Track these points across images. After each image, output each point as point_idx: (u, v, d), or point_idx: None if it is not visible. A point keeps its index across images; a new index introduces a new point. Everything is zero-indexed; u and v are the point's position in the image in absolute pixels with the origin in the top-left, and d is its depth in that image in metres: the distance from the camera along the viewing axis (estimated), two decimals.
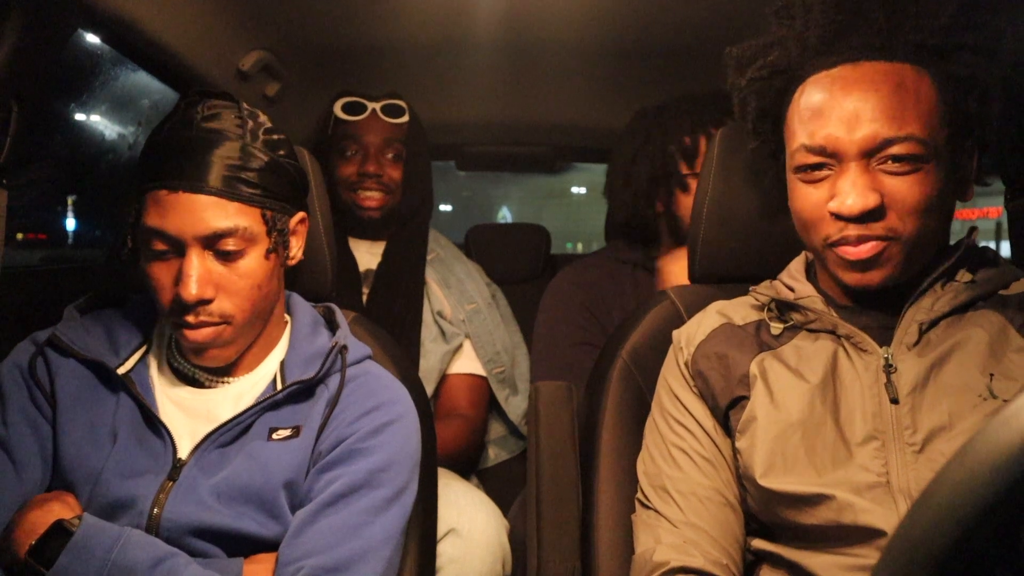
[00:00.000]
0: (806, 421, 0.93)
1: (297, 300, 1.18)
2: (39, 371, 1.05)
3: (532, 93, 2.15)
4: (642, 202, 1.69)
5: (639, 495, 1.05)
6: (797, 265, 1.07)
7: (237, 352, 1.06)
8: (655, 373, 1.12)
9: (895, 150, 0.88)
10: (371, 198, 1.80)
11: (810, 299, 1.01)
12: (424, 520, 1.18)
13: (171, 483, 1.00)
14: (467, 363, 1.83)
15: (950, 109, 0.90)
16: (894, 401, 0.91)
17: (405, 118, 1.82)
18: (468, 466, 1.81)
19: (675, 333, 1.10)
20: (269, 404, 1.05)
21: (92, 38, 1.40)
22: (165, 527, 0.97)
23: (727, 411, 1.00)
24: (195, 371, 1.08)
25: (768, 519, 0.95)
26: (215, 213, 0.97)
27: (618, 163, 1.74)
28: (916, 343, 0.93)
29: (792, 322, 1.02)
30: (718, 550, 0.96)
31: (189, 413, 1.05)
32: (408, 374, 1.23)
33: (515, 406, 1.89)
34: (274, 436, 1.03)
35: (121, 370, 1.06)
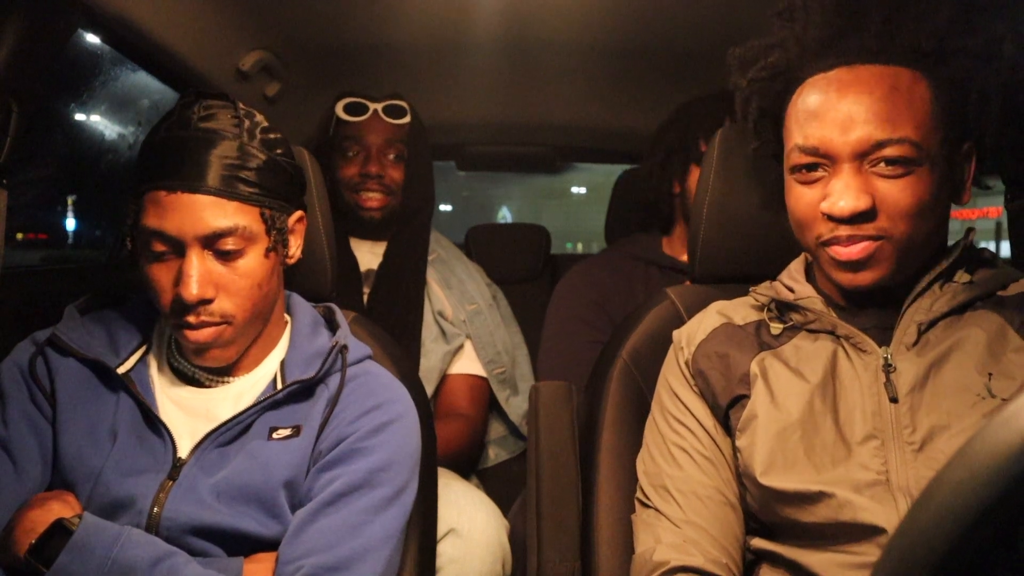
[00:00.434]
0: (806, 420, 0.93)
1: (297, 300, 1.18)
2: (39, 371, 1.05)
3: (532, 93, 2.15)
4: (659, 176, 1.71)
5: (639, 494, 1.05)
6: (797, 266, 1.08)
7: (238, 352, 1.06)
8: (655, 373, 1.12)
9: (888, 152, 0.88)
10: (372, 199, 1.80)
11: (809, 300, 1.01)
12: (424, 520, 1.18)
13: (171, 482, 1.00)
14: (468, 363, 1.83)
15: (946, 113, 0.91)
16: (893, 400, 0.91)
17: (407, 119, 1.82)
18: (468, 466, 1.81)
19: (675, 333, 1.10)
20: (269, 403, 1.05)
21: (92, 38, 1.40)
22: (165, 526, 0.97)
23: (727, 410, 1.00)
24: (195, 370, 1.08)
25: (767, 518, 0.96)
26: (214, 213, 0.97)
27: (649, 152, 1.77)
28: (915, 343, 0.94)
29: (792, 322, 1.02)
30: (718, 549, 0.96)
31: (189, 412, 1.06)
32: (408, 374, 1.24)
33: (516, 406, 1.89)
34: (274, 435, 1.03)
35: (121, 369, 1.06)
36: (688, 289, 1.27)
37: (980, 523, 0.36)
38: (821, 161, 0.92)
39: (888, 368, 0.93)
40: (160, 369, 1.09)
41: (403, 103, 1.82)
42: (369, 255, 1.84)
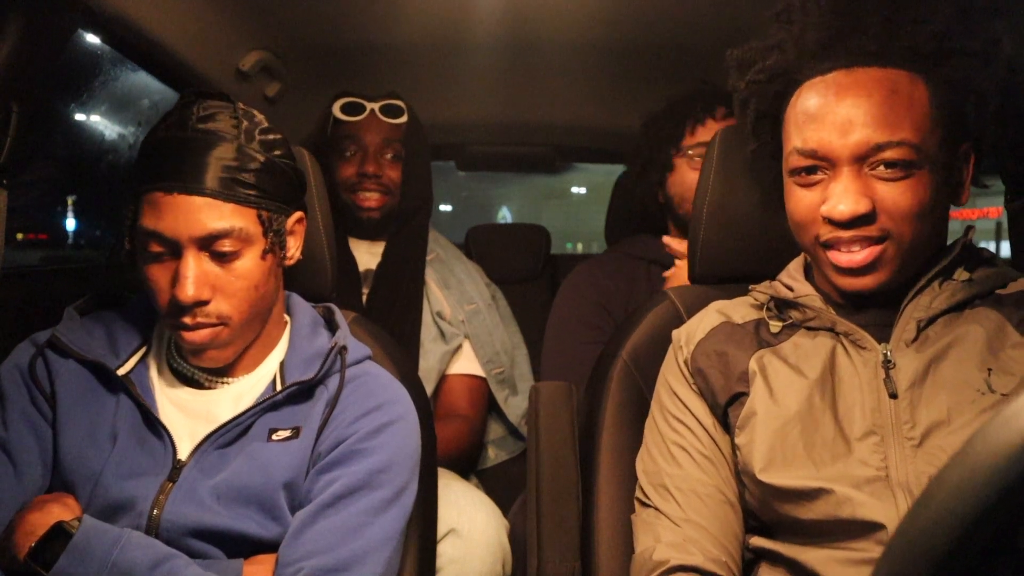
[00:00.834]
0: (805, 416, 0.93)
1: (297, 300, 1.18)
2: (39, 372, 1.05)
3: (532, 93, 2.15)
4: (642, 190, 1.75)
5: (638, 494, 1.05)
6: (796, 265, 1.08)
7: (236, 353, 1.06)
8: (655, 373, 1.12)
9: (887, 156, 0.88)
10: (370, 199, 1.80)
11: (808, 297, 1.01)
12: (424, 520, 1.18)
13: (171, 484, 1.00)
14: (466, 364, 1.83)
15: (944, 114, 0.91)
16: (893, 396, 0.91)
17: (404, 118, 1.82)
18: (468, 466, 1.81)
19: (675, 332, 1.10)
20: (269, 405, 1.05)
21: (92, 38, 1.41)
22: (165, 528, 0.97)
23: (726, 408, 1.00)
24: (195, 372, 1.08)
25: (767, 515, 0.96)
26: (211, 214, 0.97)
27: (642, 150, 1.79)
28: (914, 340, 0.94)
29: (791, 320, 1.03)
30: (718, 548, 0.96)
31: (189, 414, 1.05)
32: (408, 374, 1.23)
33: (514, 406, 1.89)
34: (274, 437, 1.03)
35: (121, 371, 1.06)
36: (688, 289, 1.27)
37: (980, 523, 0.36)
38: (820, 164, 0.92)
39: (888, 364, 0.93)
40: (160, 370, 1.09)
41: (400, 102, 1.82)
42: (368, 255, 1.84)
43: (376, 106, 1.80)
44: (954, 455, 0.38)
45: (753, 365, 0.99)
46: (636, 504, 1.06)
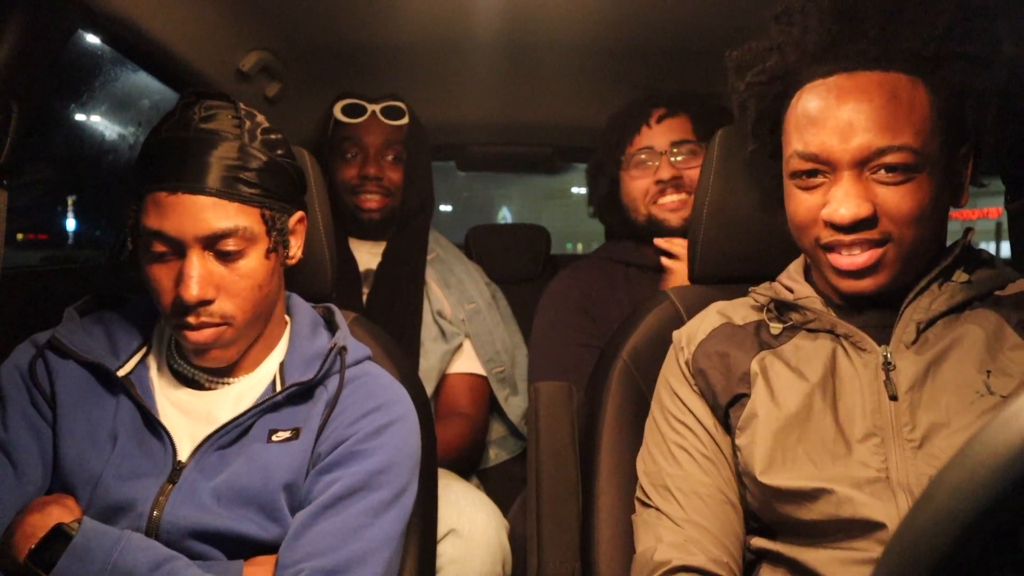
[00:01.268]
0: (806, 418, 0.93)
1: (297, 301, 1.18)
2: (39, 373, 1.05)
3: (532, 93, 2.15)
4: (601, 206, 1.82)
5: (639, 494, 1.05)
6: (796, 267, 1.08)
7: (238, 352, 1.06)
8: (655, 373, 1.12)
9: (888, 160, 0.88)
10: (371, 200, 1.80)
11: (809, 299, 1.01)
12: (424, 521, 1.18)
13: (171, 485, 1.00)
14: (467, 363, 1.83)
15: (945, 118, 0.91)
16: (893, 398, 0.91)
17: (405, 120, 1.82)
18: (469, 466, 1.81)
19: (675, 333, 1.10)
20: (268, 406, 1.04)
21: (92, 38, 1.41)
22: (165, 529, 0.97)
23: (727, 409, 1.00)
24: (195, 372, 1.08)
25: (767, 516, 0.96)
26: (215, 214, 0.97)
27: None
28: (914, 342, 0.94)
29: (791, 322, 1.03)
30: (719, 548, 0.96)
31: (189, 415, 1.05)
32: (408, 374, 1.23)
33: (515, 406, 1.89)
34: (274, 438, 1.03)
35: (121, 372, 1.06)
36: (688, 289, 1.27)
37: (980, 523, 0.36)
38: (821, 167, 0.92)
39: (888, 366, 0.93)
40: (160, 371, 1.09)
41: (401, 104, 1.82)
42: (368, 255, 1.84)
43: (377, 108, 1.80)
44: (954, 456, 0.38)
45: (755, 366, 0.99)
46: (637, 504, 1.06)
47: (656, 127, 1.65)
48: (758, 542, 0.98)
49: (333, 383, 1.08)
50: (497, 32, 1.70)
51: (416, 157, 1.84)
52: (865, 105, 0.89)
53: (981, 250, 1.02)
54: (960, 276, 0.97)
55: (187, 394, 1.07)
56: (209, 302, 0.99)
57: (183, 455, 1.02)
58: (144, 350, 1.10)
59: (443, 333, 1.80)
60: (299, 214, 1.10)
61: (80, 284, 1.71)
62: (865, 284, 0.93)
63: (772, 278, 1.10)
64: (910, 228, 0.90)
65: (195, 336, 1.00)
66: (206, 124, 1.00)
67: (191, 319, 0.99)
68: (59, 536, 0.91)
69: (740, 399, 0.99)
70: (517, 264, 2.49)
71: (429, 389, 1.71)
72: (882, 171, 0.89)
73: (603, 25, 1.67)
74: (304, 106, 1.98)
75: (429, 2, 1.55)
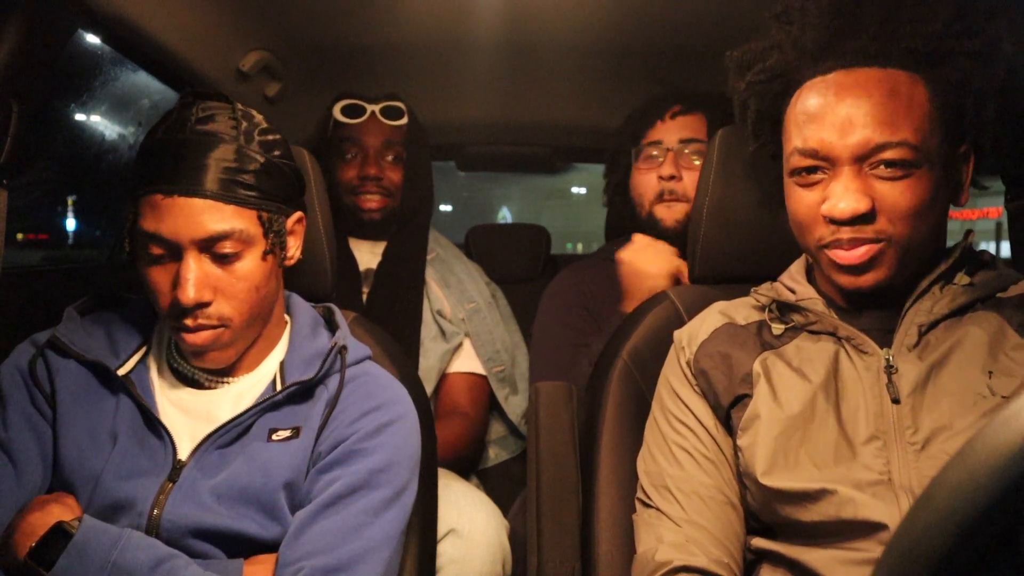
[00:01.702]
0: (809, 419, 0.93)
1: (297, 300, 1.18)
2: (39, 372, 1.05)
3: (532, 93, 2.15)
4: (614, 196, 1.80)
5: (640, 494, 1.05)
6: (798, 267, 1.08)
7: (237, 353, 1.06)
8: (655, 373, 1.12)
9: (887, 155, 0.88)
10: (371, 200, 1.80)
11: (811, 301, 1.01)
12: (424, 520, 1.18)
13: (171, 484, 1.00)
14: (467, 362, 1.83)
15: (944, 115, 0.91)
16: (895, 401, 0.91)
17: (404, 120, 1.82)
18: (469, 466, 1.81)
19: (676, 333, 1.10)
20: (269, 405, 1.05)
21: (92, 38, 1.41)
22: (165, 528, 0.97)
23: (729, 410, 1.00)
24: (195, 372, 1.08)
25: (768, 517, 0.96)
26: (211, 216, 0.97)
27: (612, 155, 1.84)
28: (916, 344, 0.94)
29: (793, 323, 1.02)
30: (720, 549, 0.96)
31: (189, 414, 1.05)
32: (408, 374, 1.23)
33: (515, 405, 1.89)
34: (274, 437, 1.03)
35: (121, 371, 1.06)
36: (688, 289, 1.27)
37: (980, 523, 0.36)
38: (820, 164, 0.92)
39: (890, 369, 0.93)
40: (160, 371, 1.09)
41: (400, 104, 1.82)
42: (368, 255, 1.84)
43: (377, 108, 1.80)
44: (954, 456, 0.38)
45: (757, 367, 0.99)
46: (638, 504, 1.06)
47: (669, 123, 1.64)
48: (759, 542, 0.98)
49: (333, 382, 1.08)
50: (497, 32, 1.71)
51: (416, 157, 1.84)
52: (864, 101, 0.89)
53: (982, 251, 1.02)
54: (961, 278, 0.97)
55: (187, 393, 1.07)
56: (206, 304, 0.99)
57: (183, 454, 1.02)
58: (144, 349, 1.10)
59: (443, 332, 1.80)
60: (297, 215, 1.10)
61: (80, 284, 1.71)
62: (864, 280, 0.93)
63: (773, 278, 1.10)
64: (908, 224, 0.90)
65: (193, 338, 1.00)
66: (203, 126, 0.99)
67: (188, 321, 0.99)
68: (59, 534, 0.91)
69: (742, 399, 0.99)
70: (517, 264, 2.49)
71: (429, 388, 1.71)
72: (881, 167, 0.89)
73: (603, 25, 1.67)
74: (304, 106, 1.98)
75: (429, 2, 1.55)
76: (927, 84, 0.91)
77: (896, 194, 0.89)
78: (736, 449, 0.99)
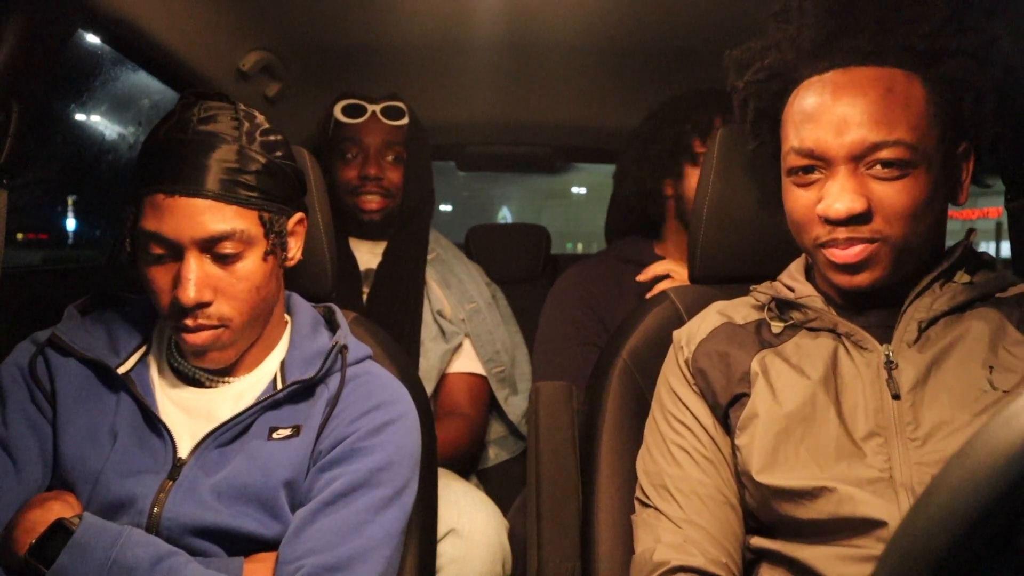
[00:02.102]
0: (809, 416, 0.93)
1: (297, 300, 1.18)
2: (39, 371, 1.05)
3: (532, 93, 2.15)
4: (652, 179, 1.69)
5: (639, 494, 1.05)
6: (797, 266, 1.08)
7: (237, 353, 1.06)
8: (655, 373, 1.12)
9: (883, 155, 0.88)
10: (372, 201, 1.80)
11: (810, 298, 1.01)
12: (424, 520, 1.18)
13: (171, 482, 1.00)
14: (467, 362, 1.83)
15: (941, 113, 0.91)
16: (896, 397, 0.91)
17: (405, 120, 1.82)
18: (468, 466, 1.81)
19: (675, 333, 1.10)
20: (269, 404, 1.05)
21: (92, 38, 1.41)
22: (165, 526, 0.97)
23: (727, 409, 1.00)
24: (195, 371, 1.08)
25: (767, 516, 0.96)
26: (212, 216, 0.97)
27: (633, 146, 1.75)
28: (916, 340, 0.94)
29: (792, 321, 1.03)
30: (718, 549, 0.96)
31: (189, 413, 1.05)
32: (408, 374, 1.24)
33: (515, 406, 1.89)
34: (274, 435, 1.03)
35: (121, 370, 1.06)
36: (688, 289, 1.27)
37: (980, 523, 0.36)
38: (817, 163, 0.92)
39: (890, 365, 0.93)
40: (160, 369, 1.09)
41: (401, 104, 1.82)
42: (368, 255, 1.84)
43: (377, 108, 1.80)
44: (954, 455, 0.38)
45: (755, 366, 0.99)
46: (636, 504, 1.06)
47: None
48: (758, 541, 0.98)
49: (334, 381, 1.08)
50: (497, 32, 1.71)
51: (416, 157, 1.84)
52: (860, 100, 0.89)
53: (982, 252, 1.02)
54: (962, 277, 0.97)
55: (187, 392, 1.07)
56: (207, 304, 0.99)
57: (183, 452, 1.02)
58: (144, 348, 1.10)
59: (443, 332, 1.80)
60: (298, 215, 1.10)
61: (80, 284, 1.71)
62: (861, 279, 0.93)
63: (772, 278, 1.10)
64: (905, 224, 0.90)
65: (193, 338, 1.00)
66: (204, 126, 0.99)
67: (188, 321, 0.99)
68: (60, 531, 0.91)
69: (740, 399, 0.99)
70: (517, 264, 2.49)
71: (429, 388, 1.71)
72: (877, 166, 0.89)
73: (603, 25, 1.67)
74: (304, 106, 1.98)
75: (429, 2, 1.55)
76: (924, 83, 0.91)
77: (893, 194, 0.89)
78: (734, 449, 0.99)
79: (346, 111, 1.80)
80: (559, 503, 1.23)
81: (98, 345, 1.07)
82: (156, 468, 1.01)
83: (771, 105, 1.02)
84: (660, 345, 1.15)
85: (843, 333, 0.97)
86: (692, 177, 1.63)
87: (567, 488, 1.24)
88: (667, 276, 1.59)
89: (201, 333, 1.00)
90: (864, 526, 0.86)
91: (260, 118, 1.06)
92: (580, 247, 12.90)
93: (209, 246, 0.98)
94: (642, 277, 1.61)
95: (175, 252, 0.98)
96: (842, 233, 0.91)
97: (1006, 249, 1.42)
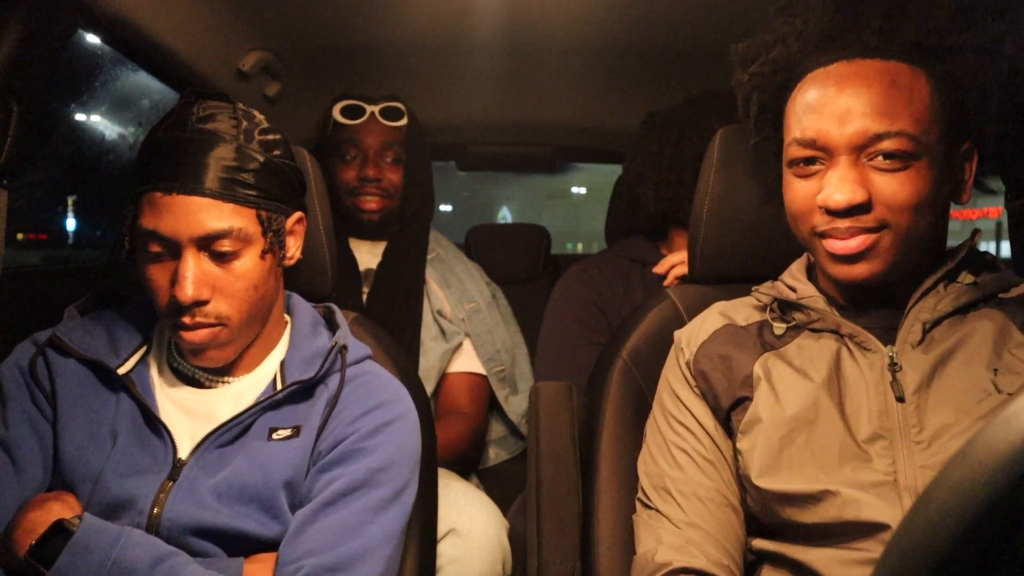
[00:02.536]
0: (813, 420, 0.93)
1: (297, 300, 1.18)
2: (39, 371, 1.05)
3: (532, 93, 2.15)
4: (680, 182, 1.62)
5: (640, 495, 1.05)
6: (798, 266, 1.08)
7: (235, 352, 1.06)
8: (655, 373, 1.12)
9: (885, 146, 0.88)
10: (371, 202, 1.80)
11: (812, 299, 1.01)
12: (424, 520, 1.18)
13: (171, 483, 1.00)
14: (467, 362, 1.83)
15: (945, 109, 0.91)
16: (900, 400, 0.91)
17: (404, 121, 1.82)
18: (468, 466, 1.81)
19: (676, 333, 1.10)
20: (269, 404, 1.05)
21: (92, 38, 1.41)
22: (165, 527, 0.97)
23: (729, 412, 1.00)
24: (195, 371, 1.08)
25: (768, 519, 0.96)
26: (210, 215, 0.97)
27: (652, 148, 1.67)
28: (920, 342, 0.94)
29: (794, 322, 1.02)
30: (720, 551, 0.96)
31: (189, 413, 1.05)
32: (408, 374, 1.24)
33: (515, 405, 1.89)
34: (274, 436, 1.03)
35: (121, 370, 1.06)
36: (688, 289, 1.27)
37: (981, 523, 0.36)
38: (818, 154, 0.92)
39: (894, 367, 0.93)
40: (160, 370, 1.09)
41: (400, 105, 1.82)
42: (368, 255, 1.84)
43: (376, 109, 1.80)
44: (954, 455, 0.38)
45: (757, 370, 0.99)
46: (638, 505, 1.06)
47: None
48: (759, 543, 0.98)
49: (334, 381, 1.08)
50: (497, 32, 1.70)
51: (416, 158, 1.84)
52: (863, 91, 0.89)
53: (986, 252, 1.01)
54: (966, 278, 0.97)
55: (187, 392, 1.07)
56: (204, 302, 0.99)
57: (183, 453, 1.02)
58: (144, 348, 1.10)
59: (443, 332, 1.80)
60: (297, 215, 1.10)
61: (80, 284, 1.71)
62: (859, 270, 0.92)
63: (773, 277, 1.09)
64: (906, 216, 0.89)
65: (190, 336, 1.00)
66: (203, 124, 0.99)
67: (186, 319, 0.99)
68: (60, 532, 0.91)
69: (742, 402, 0.99)
70: (517, 264, 2.49)
71: (429, 388, 1.71)
72: (879, 157, 0.89)
73: (603, 26, 1.67)
74: (304, 106, 1.98)
75: (429, 2, 1.55)
76: (929, 78, 0.91)
77: (895, 186, 0.88)
78: (735, 452, 0.99)
79: (345, 112, 1.80)
80: (559, 503, 1.23)
81: (98, 346, 1.07)
82: (156, 468, 1.01)
83: (775, 99, 1.02)
84: (660, 345, 1.15)
85: (846, 334, 0.97)
86: None
87: (567, 488, 1.24)
88: (683, 263, 1.57)
89: (199, 331, 1.00)
90: (868, 529, 0.86)
91: (259, 117, 1.06)
92: (580, 247, 12.90)
93: (207, 244, 0.98)
94: (659, 268, 1.61)
95: (173, 250, 0.98)
96: (842, 224, 0.90)
97: (1006, 249, 1.42)
